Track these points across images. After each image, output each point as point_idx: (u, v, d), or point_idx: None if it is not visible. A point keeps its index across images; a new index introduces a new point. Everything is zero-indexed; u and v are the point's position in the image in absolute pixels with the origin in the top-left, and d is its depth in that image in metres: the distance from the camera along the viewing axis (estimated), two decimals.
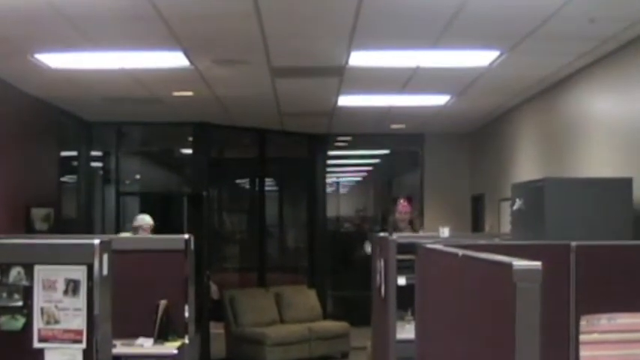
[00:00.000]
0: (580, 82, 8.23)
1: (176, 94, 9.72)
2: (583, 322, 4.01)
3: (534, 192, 6.79)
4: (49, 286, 4.23)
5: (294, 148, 14.80)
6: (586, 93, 8.13)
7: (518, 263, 2.32)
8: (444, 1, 5.90)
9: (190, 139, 12.84)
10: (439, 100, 10.26)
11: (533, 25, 6.42)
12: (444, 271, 3.52)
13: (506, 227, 9.47)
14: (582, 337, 4.01)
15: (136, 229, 8.88)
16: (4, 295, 4.25)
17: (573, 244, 4.14)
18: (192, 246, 7.07)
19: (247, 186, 15.52)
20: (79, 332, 4.20)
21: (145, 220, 8.91)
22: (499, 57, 7.57)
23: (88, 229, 11.39)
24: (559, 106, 8.91)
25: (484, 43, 7.18)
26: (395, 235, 6.80)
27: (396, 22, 6.43)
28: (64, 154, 11.10)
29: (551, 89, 9.07)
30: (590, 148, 7.98)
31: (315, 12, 6.25)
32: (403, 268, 6.38)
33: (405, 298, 6.17)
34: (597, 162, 7.72)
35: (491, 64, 7.85)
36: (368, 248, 9.21)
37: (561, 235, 5.55)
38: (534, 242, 5.09)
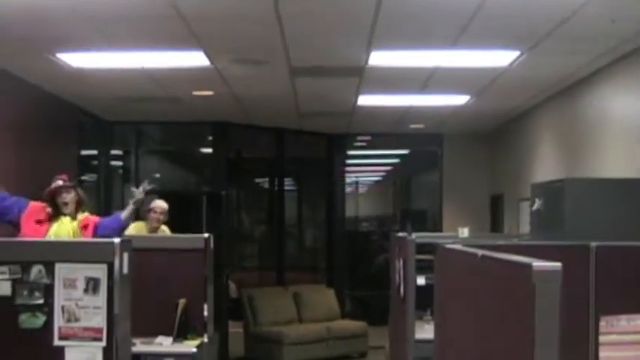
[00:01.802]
0: (600, 81, 8.19)
1: (196, 93, 9.76)
2: (602, 323, 3.99)
3: (554, 192, 6.77)
4: (70, 284, 4.26)
5: (313, 148, 14.80)
6: (606, 93, 8.10)
7: (538, 264, 2.32)
8: (464, 1, 5.89)
9: (209, 138, 12.88)
10: (458, 100, 10.25)
11: (553, 24, 6.40)
12: (463, 271, 3.52)
13: (525, 228, 9.44)
14: (601, 338, 3.99)
15: (147, 212, 8.54)
16: (25, 292, 4.28)
17: (593, 244, 4.13)
18: (211, 245, 7.09)
19: (266, 185, 15.56)
20: (99, 330, 4.23)
21: (157, 203, 8.57)
22: (519, 57, 7.55)
23: None
24: (579, 105, 8.88)
25: (504, 43, 7.17)
26: (414, 235, 6.79)
27: (416, 22, 6.42)
28: (84, 152, 11.16)
29: (571, 89, 9.04)
30: (611, 148, 7.95)
31: (335, 12, 6.26)
32: (422, 268, 6.38)
33: (424, 298, 6.16)
34: (617, 162, 7.69)
35: (510, 64, 7.83)
36: None
37: (581, 235, 5.52)
38: (554, 243, 5.08)
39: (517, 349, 2.47)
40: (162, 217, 8.48)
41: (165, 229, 8.57)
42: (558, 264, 2.30)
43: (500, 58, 7.67)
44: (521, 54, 7.44)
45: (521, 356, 2.39)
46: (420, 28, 6.66)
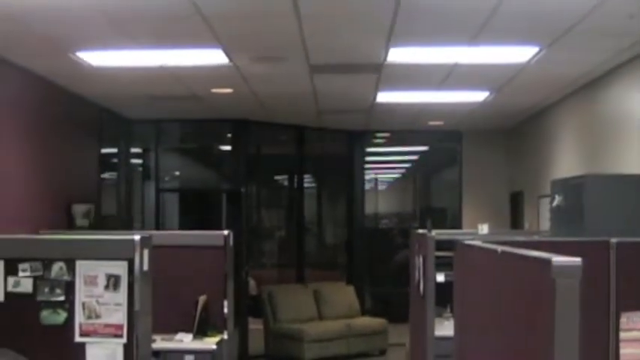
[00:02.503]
0: (620, 78, 8.15)
1: (215, 91, 9.78)
2: (623, 320, 3.98)
3: (574, 189, 6.75)
4: (90, 281, 4.29)
5: (333, 145, 14.81)
6: (626, 89, 8.05)
7: (558, 259, 2.31)
8: None
9: (229, 135, 12.91)
10: (477, 96, 10.22)
11: (573, 20, 6.37)
12: (483, 267, 3.52)
13: (545, 224, 9.41)
14: (622, 335, 3.98)
15: None
16: (47, 289, 4.31)
17: (613, 240, 4.12)
18: (231, 242, 7.12)
19: (286, 183, 15.56)
20: (120, 327, 4.26)
21: None
22: (538, 53, 7.52)
23: (128, 226, 11.48)
24: (599, 102, 8.84)
25: (523, 39, 7.14)
26: (433, 232, 6.78)
27: (435, 18, 6.41)
28: (104, 150, 11.20)
29: (591, 85, 9.00)
30: (631, 145, 7.91)
31: (354, 9, 6.26)
32: (442, 264, 6.37)
33: (444, 295, 6.16)
34: (637, 158, 7.65)
35: (529, 60, 7.81)
36: None
37: (601, 231, 5.51)
38: (574, 239, 5.06)
39: (537, 344, 2.47)
40: None
41: None
42: (578, 259, 2.29)
43: (519, 54, 7.65)
44: (540, 50, 7.42)
45: (541, 352, 2.39)
46: (439, 25, 6.64)
